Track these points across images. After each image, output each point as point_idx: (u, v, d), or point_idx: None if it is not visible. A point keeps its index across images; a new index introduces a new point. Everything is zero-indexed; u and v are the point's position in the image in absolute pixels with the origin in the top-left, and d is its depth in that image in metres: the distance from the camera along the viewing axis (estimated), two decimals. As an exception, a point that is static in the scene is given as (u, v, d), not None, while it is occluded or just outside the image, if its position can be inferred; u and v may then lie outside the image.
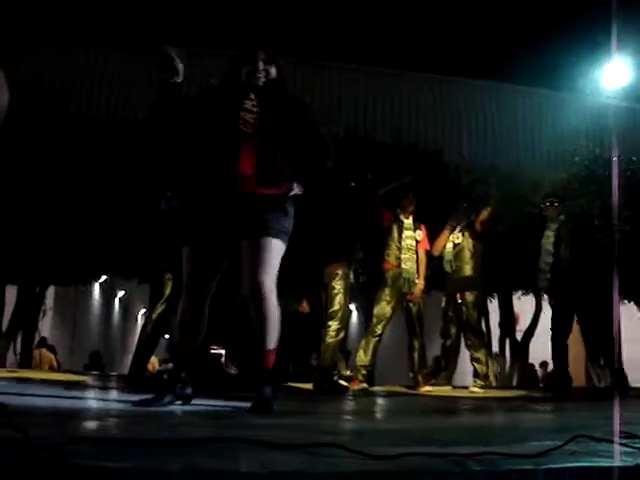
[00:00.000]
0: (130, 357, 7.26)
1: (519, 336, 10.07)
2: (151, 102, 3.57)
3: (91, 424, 2.31)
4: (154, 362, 12.59)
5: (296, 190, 3.11)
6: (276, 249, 3.03)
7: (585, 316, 8.12)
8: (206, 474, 1.37)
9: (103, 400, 3.88)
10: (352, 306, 12.34)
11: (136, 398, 3.07)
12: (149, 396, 3.05)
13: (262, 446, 1.58)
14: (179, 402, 3.04)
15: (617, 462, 1.60)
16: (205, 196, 3.11)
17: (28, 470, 1.34)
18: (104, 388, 5.13)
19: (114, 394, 4.47)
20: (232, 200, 3.03)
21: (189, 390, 3.08)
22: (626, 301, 9.54)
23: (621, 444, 1.88)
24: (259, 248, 2.99)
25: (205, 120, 3.16)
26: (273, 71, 3.18)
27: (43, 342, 11.62)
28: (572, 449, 1.73)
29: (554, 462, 1.53)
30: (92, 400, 3.81)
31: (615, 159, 8.55)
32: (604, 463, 1.56)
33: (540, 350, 9.25)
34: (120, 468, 1.37)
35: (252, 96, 3.12)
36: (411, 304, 6.38)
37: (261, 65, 3.14)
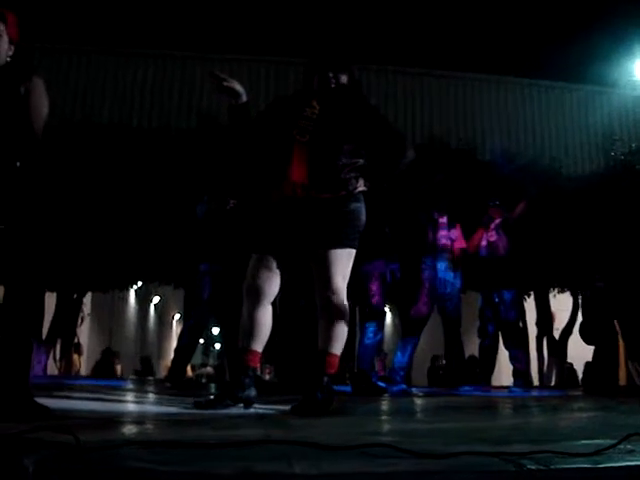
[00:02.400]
0: (165, 362, 7.31)
1: (557, 334, 9.95)
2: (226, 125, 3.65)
3: (138, 427, 2.32)
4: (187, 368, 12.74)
5: (361, 187, 3.14)
6: (346, 257, 3.10)
7: (624, 313, 7.97)
8: (259, 477, 1.36)
9: (147, 404, 3.90)
10: (387, 308, 12.29)
11: (180, 402, 3.08)
12: (205, 399, 3.09)
13: (314, 448, 1.57)
14: (241, 405, 3.03)
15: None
16: (264, 202, 3.18)
17: (80, 472, 1.35)
18: (146, 392, 5.17)
19: (157, 398, 4.50)
20: (293, 207, 3.08)
21: (251, 393, 3.06)
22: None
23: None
24: (330, 259, 3.05)
25: (268, 130, 3.24)
26: (344, 78, 3.23)
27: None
28: (628, 448, 1.69)
29: (612, 461, 1.49)
30: (136, 404, 3.83)
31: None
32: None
33: (578, 349, 9.12)
34: (172, 471, 1.37)
35: (314, 103, 3.18)
36: (448, 304, 6.32)
37: (330, 73, 3.19)
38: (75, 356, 12.33)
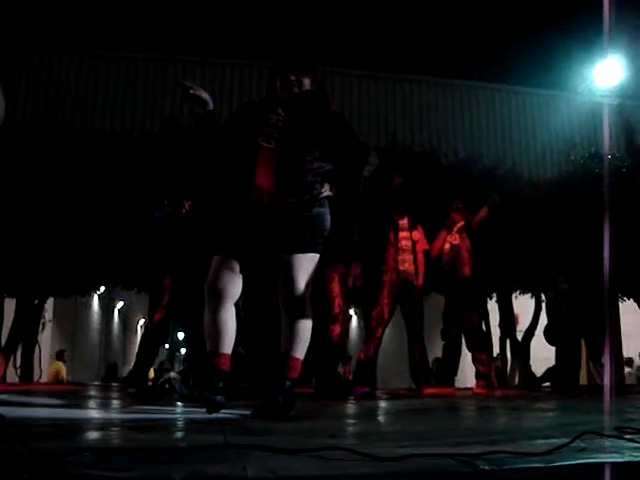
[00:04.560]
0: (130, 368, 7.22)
1: (519, 336, 10.05)
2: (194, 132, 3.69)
3: (93, 434, 2.28)
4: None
5: (326, 192, 3.15)
6: (309, 262, 3.11)
7: (585, 314, 8.12)
8: (211, 481, 1.35)
9: (107, 410, 3.85)
10: (351, 311, 12.33)
11: (141, 408, 3.04)
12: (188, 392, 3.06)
13: (269, 451, 1.56)
14: (204, 410, 2.98)
15: (627, 457, 1.58)
16: (228, 207, 3.17)
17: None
18: (105, 398, 5.10)
19: (115, 404, 4.45)
20: (258, 212, 3.08)
21: (221, 398, 3.00)
22: (625, 298, 9.55)
23: (628, 439, 1.87)
24: (293, 263, 3.06)
25: (233, 137, 3.25)
26: (307, 81, 3.24)
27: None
28: (581, 446, 1.72)
29: (564, 459, 1.51)
30: (93, 410, 3.78)
31: (609, 157, 8.58)
32: (614, 459, 1.55)
33: (541, 349, 9.28)
34: (124, 477, 1.35)
35: (279, 110, 3.18)
36: (410, 306, 6.34)
37: (292, 77, 3.20)
38: (60, 364, 12.23)
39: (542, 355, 9.66)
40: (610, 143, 9.12)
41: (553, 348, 7.61)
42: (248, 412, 2.98)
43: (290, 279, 3.05)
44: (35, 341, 9.42)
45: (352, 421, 3.37)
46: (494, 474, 1.42)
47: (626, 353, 9.82)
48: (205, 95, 3.17)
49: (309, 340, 3.13)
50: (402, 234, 6.30)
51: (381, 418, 3.67)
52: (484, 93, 13.89)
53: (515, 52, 14.27)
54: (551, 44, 13.59)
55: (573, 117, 12.81)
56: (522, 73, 13.84)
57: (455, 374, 7.22)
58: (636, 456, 1.60)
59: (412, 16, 16.07)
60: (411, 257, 6.28)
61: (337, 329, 5.64)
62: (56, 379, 11.65)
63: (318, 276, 5.22)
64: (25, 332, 8.90)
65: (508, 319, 9.91)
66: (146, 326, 6.32)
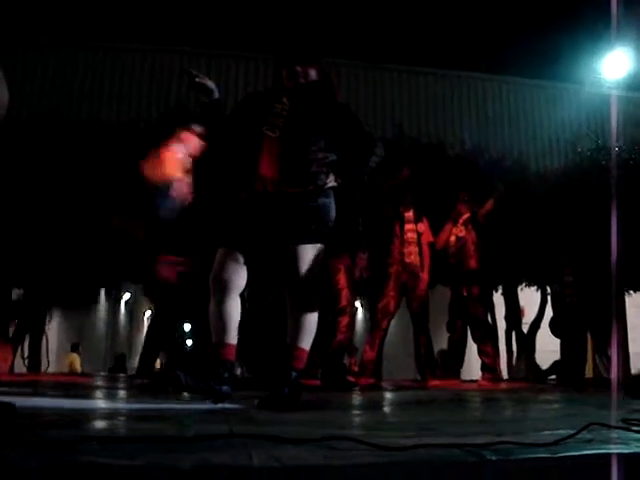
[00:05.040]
0: (137, 359, 7.22)
1: (525, 329, 10.04)
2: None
3: (100, 424, 2.30)
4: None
5: (331, 182, 3.14)
6: (315, 253, 3.10)
7: (591, 307, 8.10)
8: (218, 470, 1.36)
9: (115, 400, 3.87)
10: (357, 303, 12.33)
11: (147, 397, 3.05)
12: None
13: (274, 441, 1.57)
14: (209, 400, 3.00)
15: (633, 449, 1.58)
16: (233, 198, 3.17)
17: (40, 470, 1.33)
18: (112, 389, 5.13)
19: (122, 395, 4.47)
20: (263, 202, 3.07)
21: (227, 388, 3.02)
22: (631, 291, 9.53)
23: (635, 431, 1.87)
24: (298, 254, 3.06)
25: (239, 127, 3.25)
26: (313, 72, 3.24)
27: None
28: (587, 437, 1.72)
29: (570, 450, 1.51)
30: (100, 401, 3.80)
31: (616, 149, 8.54)
32: (620, 450, 1.55)
33: (547, 342, 9.28)
34: (131, 466, 1.35)
35: (284, 100, 3.18)
36: (416, 298, 6.34)
37: (298, 67, 3.20)
38: (74, 355, 12.36)
39: (548, 348, 9.64)
40: (617, 135, 9.06)
41: (559, 341, 7.60)
42: (254, 402, 2.98)
43: (295, 270, 3.05)
44: (42, 332, 9.47)
45: (358, 412, 3.37)
46: (500, 464, 1.43)
47: (632, 346, 9.79)
48: (211, 84, 3.18)
49: (315, 331, 3.13)
50: (408, 226, 6.29)
51: (387, 409, 3.67)
52: (491, 85, 13.85)
53: (522, 44, 14.18)
54: (558, 36, 13.53)
55: (580, 109, 12.74)
56: (529, 65, 13.77)
57: (461, 366, 7.23)
58: (642, 447, 1.60)
59: (420, 7, 16.01)
60: (417, 249, 6.28)
61: (345, 320, 5.65)
62: (71, 369, 11.84)
63: (324, 267, 5.21)
64: (32, 323, 8.95)
65: (514, 311, 9.91)
66: (152, 318, 6.32)
